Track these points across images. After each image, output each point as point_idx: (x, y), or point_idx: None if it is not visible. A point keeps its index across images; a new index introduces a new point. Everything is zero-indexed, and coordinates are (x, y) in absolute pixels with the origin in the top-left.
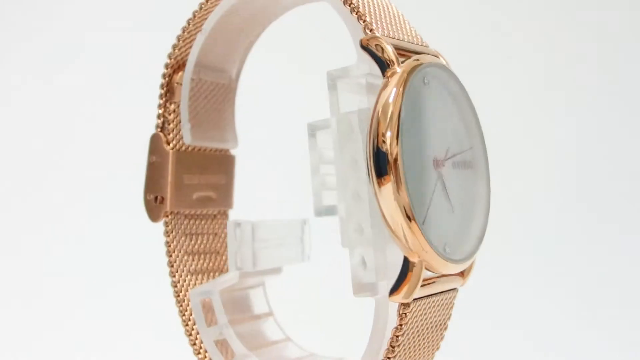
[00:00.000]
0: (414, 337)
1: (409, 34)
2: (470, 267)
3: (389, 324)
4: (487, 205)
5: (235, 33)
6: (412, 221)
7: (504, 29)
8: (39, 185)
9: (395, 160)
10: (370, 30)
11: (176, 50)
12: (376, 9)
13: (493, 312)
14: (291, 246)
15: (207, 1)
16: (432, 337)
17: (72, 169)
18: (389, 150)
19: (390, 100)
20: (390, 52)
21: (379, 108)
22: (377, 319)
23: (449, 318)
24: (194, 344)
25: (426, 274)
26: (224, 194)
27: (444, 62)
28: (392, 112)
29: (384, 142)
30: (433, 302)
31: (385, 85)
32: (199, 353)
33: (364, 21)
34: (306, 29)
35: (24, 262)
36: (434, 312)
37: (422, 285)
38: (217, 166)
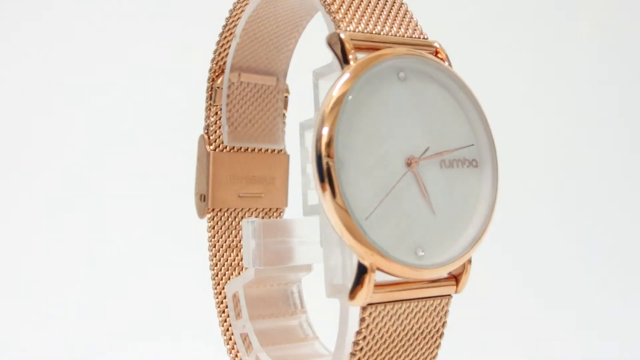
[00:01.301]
0: (386, 344)
1: (398, 28)
2: (463, 273)
3: (350, 328)
4: (490, 207)
5: (271, 36)
6: (352, 227)
7: (508, 26)
8: (99, 184)
9: (331, 164)
10: (338, 27)
11: (216, 56)
12: (360, 4)
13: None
14: (318, 245)
15: (234, 7)
16: (420, 345)
17: (133, 168)
18: (323, 153)
19: (334, 94)
20: (345, 48)
21: (324, 107)
22: (341, 323)
23: (443, 325)
24: (225, 334)
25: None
26: (273, 192)
27: (436, 56)
28: (331, 111)
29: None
30: (412, 308)
31: (335, 83)
32: (228, 344)
33: (334, 18)
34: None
35: (72, 252)
36: (417, 318)
37: (392, 290)
38: (265, 165)
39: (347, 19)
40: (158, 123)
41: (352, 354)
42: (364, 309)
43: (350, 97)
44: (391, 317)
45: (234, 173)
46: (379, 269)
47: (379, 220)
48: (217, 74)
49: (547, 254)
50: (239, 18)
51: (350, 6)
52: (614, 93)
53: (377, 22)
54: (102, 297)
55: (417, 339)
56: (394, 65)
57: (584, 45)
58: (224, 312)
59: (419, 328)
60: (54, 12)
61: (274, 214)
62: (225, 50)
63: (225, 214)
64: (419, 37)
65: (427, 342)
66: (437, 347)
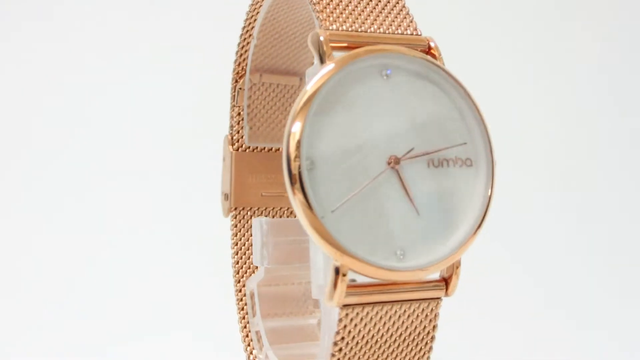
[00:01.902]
0: (368, 346)
1: (389, 25)
2: (453, 275)
3: (330, 329)
4: (482, 208)
5: (289, 36)
6: (320, 229)
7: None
8: (128, 184)
9: (301, 165)
10: (322, 26)
11: (238, 57)
12: (349, 3)
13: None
14: None
15: (250, 9)
16: (409, 348)
17: (168, 167)
18: (292, 155)
19: (307, 89)
20: (322, 47)
21: (295, 105)
22: (323, 323)
23: (433, 329)
24: (242, 331)
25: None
26: None
27: (429, 53)
28: (301, 109)
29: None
30: (396, 310)
31: (309, 81)
32: (244, 341)
33: (318, 17)
34: None
35: (79, 250)
36: (402, 321)
37: (371, 292)
38: None
39: (331, 18)
40: (176, 122)
41: (332, 355)
42: (341, 309)
43: (322, 94)
44: (371, 319)
45: (256, 173)
46: (353, 270)
47: (352, 222)
48: (239, 75)
49: (547, 255)
50: (255, 19)
51: (337, 5)
52: (614, 90)
53: (366, 20)
54: (105, 296)
55: (404, 341)
56: (377, 62)
57: (584, 43)
58: (242, 309)
59: (406, 331)
60: (58, 12)
61: None
62: (245, 51)
63: (249, 212)
64: (412, 34)
65: (416, 346)
66: (429, 350)
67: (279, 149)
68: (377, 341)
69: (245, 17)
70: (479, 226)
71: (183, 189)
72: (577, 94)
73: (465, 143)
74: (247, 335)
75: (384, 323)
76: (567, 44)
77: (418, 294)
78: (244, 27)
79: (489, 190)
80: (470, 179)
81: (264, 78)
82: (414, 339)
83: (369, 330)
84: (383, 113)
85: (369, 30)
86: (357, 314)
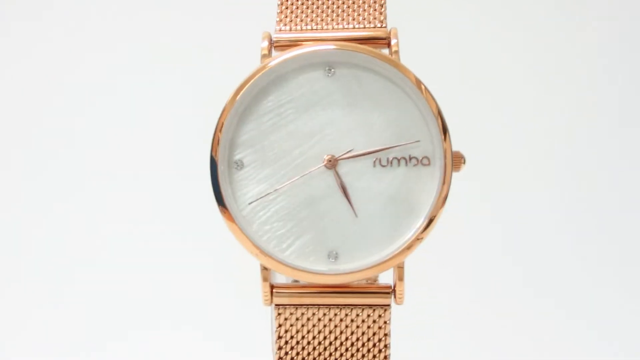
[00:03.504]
0: (311, 347)
1: (349, 22)
2: (397, 282)
3: (272, 328)
4: (429, 210)
5: None
6: (235, 229)
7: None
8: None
9: (223, 165)
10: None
11: None
12: (312, 4)
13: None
14: None
15: None
16: (359, 354)
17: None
18: (215, 157)
19: (241, 89)
20: (263, 50)
21: (226, 103)
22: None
23: (385, 337)
24: None
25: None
26: None
27: (389, 47)
28: (222, 113)
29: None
30: (336, 314)
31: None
32: None
33: (276, 20)
34: None
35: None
36: (346, 326)
37: (302, 294)
38: None
39: (288, 19)
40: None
41: (275, 353)
42: (274, 309)
43: (251, 93)
44: (308, 320)
45: None
46: (275, 270)
47: (278, 224)
48: None
49: (541, 257)
50: None
51: (300, 5)
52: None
53: (326, 17)
54: (114, 292)
55: (352, 346)
56: (319, 60)
57: (583, 37)
58: None
59: (352, 336)
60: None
61: None
62: None
63: None
64: (375, 27)
65: (368, 352)
66: (385, 359)
67: None
68: (320, 343)
69: None
70: (422, 232)
71: (202, 188)
72: (574, 91)
73: (418, 140)
74: None
75: (324, 326)
76: (566, 41)
77: (360, 299)
78: None
79: (438, 192)
80: (427, 180)
81: None
82: (364, 344)
83: (308, 331)
84: (324, 110)
85: (324, 28)
86: (291, 314)
